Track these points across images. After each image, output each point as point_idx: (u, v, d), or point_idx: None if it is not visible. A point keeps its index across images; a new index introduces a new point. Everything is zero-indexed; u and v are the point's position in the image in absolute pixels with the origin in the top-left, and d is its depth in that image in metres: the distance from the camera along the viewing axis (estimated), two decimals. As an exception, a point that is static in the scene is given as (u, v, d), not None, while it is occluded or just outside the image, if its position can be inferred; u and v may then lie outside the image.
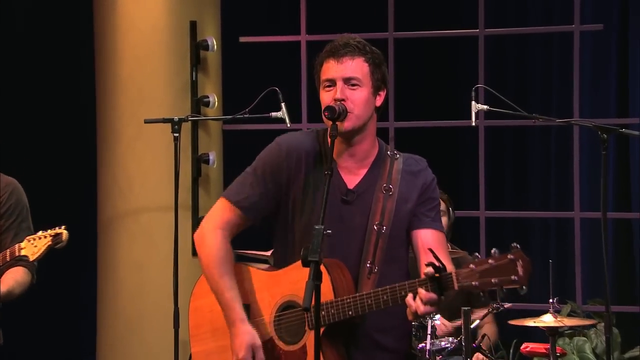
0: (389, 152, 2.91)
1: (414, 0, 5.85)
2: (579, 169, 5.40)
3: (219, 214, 2.90)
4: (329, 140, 2.75)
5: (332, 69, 2.81)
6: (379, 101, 2.87)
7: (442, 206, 4.34)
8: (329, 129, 2.80)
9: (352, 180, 2.86)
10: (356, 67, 2.81)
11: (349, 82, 2.80)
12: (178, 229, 4.57)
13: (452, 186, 4.70)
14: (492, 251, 2.55)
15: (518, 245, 2.54)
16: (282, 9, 6.18)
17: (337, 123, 2.75)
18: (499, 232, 5.73)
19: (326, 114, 2.76)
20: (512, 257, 2.53)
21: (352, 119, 2.79)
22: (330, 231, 2.59)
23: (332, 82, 2.81)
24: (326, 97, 2.82)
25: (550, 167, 6.00)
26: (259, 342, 2.82)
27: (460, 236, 4.71)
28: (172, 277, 4.49)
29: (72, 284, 5.76)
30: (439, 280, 2.59)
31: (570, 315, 5.06)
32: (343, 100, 2.78)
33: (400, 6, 5.55)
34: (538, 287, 4.09)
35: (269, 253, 3.04)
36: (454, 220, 4.50)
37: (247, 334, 2.82)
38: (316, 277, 2.47)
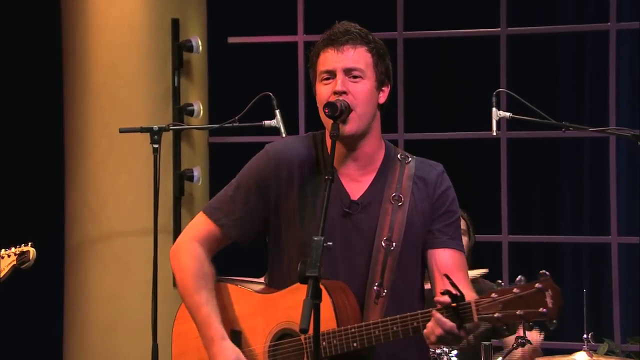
0: (398, 156, 2.89)
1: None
2: (616, 186, 5.39)
3: (197, 228, 2.90)
4: (329, 141, 2.74)
5: (331, 58, 2.80)
6: (382, 98, 2.85)
7: (462, 225, 4.34)
8: (326, 130, 2.79)
9: (355, 189, 2.84)
10: (358, 56, 2.80)
11: (350, 73, 2.79)
12: (157, 256, 4.54)
13: (470, 206, 4.68)
14: (518, 279, 2.54)
15: (547, 273, 2.53)
16: (276, 6, 6.20)
17: (338, 123, 2.74)
18: (524, 259, 5.72)
19: (326, 111, 2.74)
20: (540, 286, 2.52)
21: (355, 119, 2.78)
22: (330, 243, 2.58)
23: (331, 74, 2.80)
24: (324, 91, 2.80)
25: (583, 185, 5.99)
26: (244, 358, 2.80)
27: (479, 263, 4.69)
28: (150, 311, 4.46)
29: (36, 317, 5.75)
30: (456, 311, 2.57)
31: (607, 354, 5.02)
32: (344, 92, 2.77)
33: (410, 2, 5.57)
34: (570, 321, 4.08)
35: (262, 280, 3.03)
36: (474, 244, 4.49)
37: (229, 352, 2.80)
38: (315, 295, 2.46)
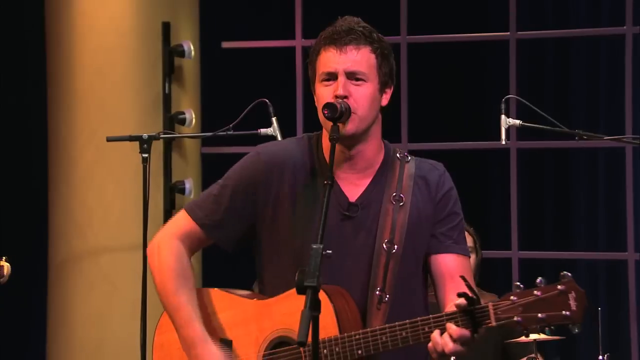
0: (398, 155, 2.88)
1: (431, 0, 5.87)
2: (632, 199, 5.38)
3: (178, 225, 2.89)
4: (325, 144, 2.73)
5: (332, 59, 2.79)
6: (385, 100, 2.85)
7: (469, 241, 4.32)
8: (323, 131, 2.79)
9: (354, 191, 2.84)
10: (362, 58, 2.79)
11: (352, 76, 2.79)
12: (146, 273, 4.54)
13: (478, 220, 4.68)
14: (538, 280, 2.53)
15: (569, 274, 2.52)
16: (273, 9, 6.21)
17: (338, 125, 2.73)
18: (536, 277, 5.68)
19: (325, 112, 2.74)
20: (562, 287, 2.51)
21: (356, 120, 2.77)
22: (330, 251, 2.57)
23: (332, 76, 2.80)
24: (325, 93, 2.80)
25: (597, 197, 5.99)
26: None
27: (488, 280, 4.68)
28: (138, 331, 4.46)
29: (18, 338, 5.73)
30: (472, 315, 2.56)
31: (624, 377, 5.02)
32: (346, 97, 2.77)
33: (414, 5, 5.57)
34: (585, 340, 4.06)
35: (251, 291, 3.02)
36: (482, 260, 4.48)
37: (212, 356, 2.78)
38: (313, 307, 2.45)
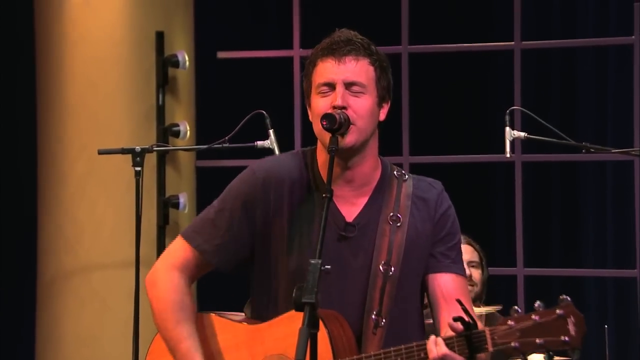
0: (395, 173, 2.90)
1: (432, 9, 5.88)
2: (641, 213, 5.39)
3: (176, 254, 2.90)
4: (321, 158, 2.74)
5: (330, 69, 2.81)
6: (382, 115, 2.87)
7: (475, 256, 4.32)
8: (318, 146, 2.80)
9: (350, 211, 2.85)
10: (360, 69, 2.81)
11: (351, 87, 2.81)
12: (139, 291, 4.54)
13: (482, 236, 4.68)
14: (536, 305, 2.54)
15: (568, 298, 2.54)
16: (270, 18, 6.22)
17: (337, 137, 2.75)
18: (542, 295, 5.67)
19: (324, 123, 2.75)
20: (561, 312, 2.52)
21: (355, 132, 2.79)
22: (329, 267, 2.56)
23: (330, 86, 2.81)
24: (321, 105, 2.81)
25: (606, 212, 5.99)
26: None
27: (492, 299, 4.68)
28: (130, 352, 4.46)
29: (5, 359, 5.71)
30: (468, 339, 2.57)
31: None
32: (344, 108, 2.78)
33: (416, 15, 5.59)
34: (593, 358, 4.06)
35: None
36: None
37: None
38: (312, 324, 2.45)
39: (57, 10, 5.27)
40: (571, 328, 2.50)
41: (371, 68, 2.82)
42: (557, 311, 2.51)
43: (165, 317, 2.85)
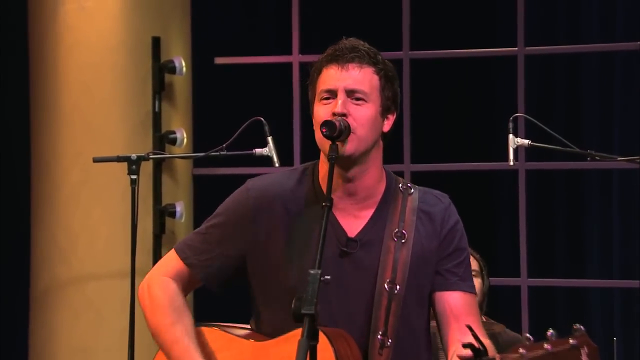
0: (400, 186, 2.88)
1: (434, 14, 5.88)
2: (648, 223, 5.39)
3: (169, 264, 2.90)
4: (322, 172, 2.74)
5: (333, 76, 2.80)
6: (387, 126, 2.85)
7: (474, 265, 4.31)
8: (320, 158, 2.79)
9: (353, 225, 2.83)
10: (364, 77, 2.80)
11: (352, 95, 2.79)
12: (135, 302, 4.53)
13: (485, 245, 4.67)
14: (549, 334, 2.50)
15: (582, 327, 2.50)
16: (269, 23, 6.22)
17: (337, 144, 2.74)
18: (546, 306, 5.69)
19: (324, 130, 2.73)
20: (574, 342, 2.48)
21: (355, 140, 2.77)
22: (329, 277, 2.54)
23: (331, 93, 2.80)
24: (322, 112, 2.80)
25: (612, 221, 5.98)
26: None
27: (495, 310, 4.67)
28: (126, 362, 4.45)
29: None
30: None
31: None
32: (344, 115, 2.77)
33: (418, 21, 5.59)
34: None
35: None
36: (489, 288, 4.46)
37: None
38: (311, 336, 2.44)
39: (52, 15, 5.27)
40: (584, 359, 2.48)
41: (375, 77, 2.81)
42: (571, 341, 2.47)
43: (159, 321, 2.84)
